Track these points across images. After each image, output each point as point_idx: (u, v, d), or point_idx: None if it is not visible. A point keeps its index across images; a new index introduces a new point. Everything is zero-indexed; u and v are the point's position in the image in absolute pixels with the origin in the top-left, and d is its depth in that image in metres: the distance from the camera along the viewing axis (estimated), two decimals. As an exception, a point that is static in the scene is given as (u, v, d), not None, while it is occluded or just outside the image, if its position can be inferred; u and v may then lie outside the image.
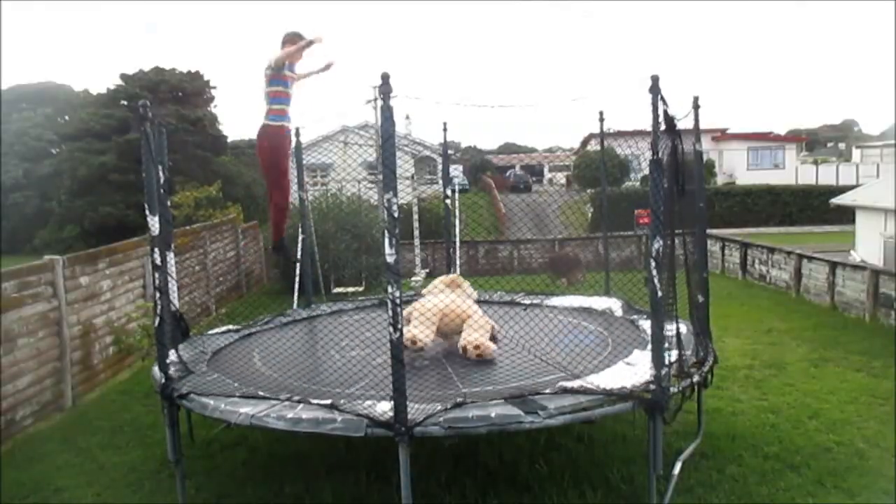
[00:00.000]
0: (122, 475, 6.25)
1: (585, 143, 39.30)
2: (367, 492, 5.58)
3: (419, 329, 6.01)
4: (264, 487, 5.78)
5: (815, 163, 42.15)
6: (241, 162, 36.75)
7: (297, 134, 8.62)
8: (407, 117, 40.20)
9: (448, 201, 9.35)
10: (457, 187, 12.82)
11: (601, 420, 5.55)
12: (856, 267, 12.43)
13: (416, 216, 16.46)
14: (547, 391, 4.66)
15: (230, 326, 7.58)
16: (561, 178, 44.43)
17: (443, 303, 6.21)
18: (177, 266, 6.87)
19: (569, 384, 4.76)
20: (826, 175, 35.27)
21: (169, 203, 6.12)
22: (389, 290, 4.30)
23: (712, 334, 6.37)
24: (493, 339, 6.25)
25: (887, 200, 14.84)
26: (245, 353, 6.49)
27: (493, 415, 4.40)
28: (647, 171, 4.83)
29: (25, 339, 7.69)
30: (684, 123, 5.61)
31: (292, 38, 6.23)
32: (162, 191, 5.42)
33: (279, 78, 6.22)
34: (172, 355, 5.56)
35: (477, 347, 5.91)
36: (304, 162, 8.68)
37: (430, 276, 16.75)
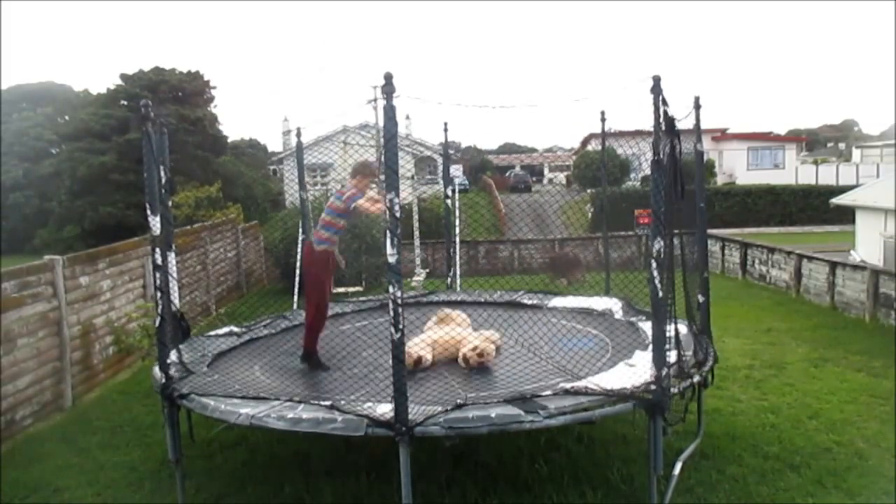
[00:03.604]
0: (122, 475, 6.24)
1: (585, 143, 39.35)
2: (367, 492, 5.58)
3: (419, 348, 6.00)
4: (264, 487, 5.78)
5: (815, 163, 42.19)
6: (241, 162, 36.79)
7: (298, 134, 8.64)
8: (407, 117, 40.18)
9: (448, 201, 9.35)
10: (457, 187, 12.81)
11: (601, 420, 5.55)
12: (856, 267, 12.43)
13: (416, 216, 16.46)
14: (547, 392, 4.66)
15: (233, 328, 7.55)
16: (561, 177, 44.48)
17: (435, 334, 6.21)
18: (177, 266, 6.86)
19: (569, 385, 4.77)
20: (826, 175, 35.27)
21: (169, 203, 6.11)
22: (391, 289, 4.30)
23: (712, 334, 6.37)
24: (497, 349, 6.21)
25: (887, 200, 14.84)
26: (246, 362, 6.37)
27: (493, 415, 4.40)
28: (647, 171, 4.83)
29: (25, 339, 7.68)
30: (685, 123, 5.61)
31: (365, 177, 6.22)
32: (163, 191, 5.42)
33: (345, 213, 6.20)
34: (173, 355, 5.55)
35: (475, 349, 5.88)
36: (304, 162, 8.68)
37: (430, 276, 16.78)
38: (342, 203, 6.16)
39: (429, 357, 5.99)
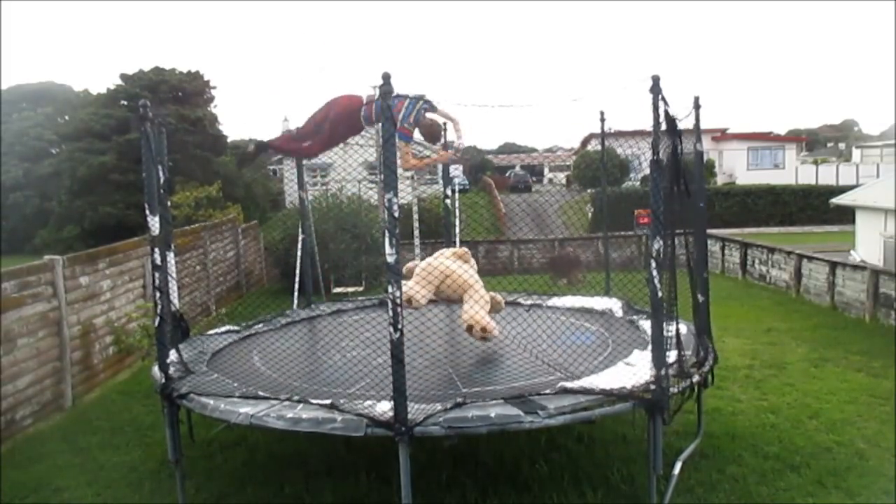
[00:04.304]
0: (122, 475, 6.25)
1: (585, 143, 39.34)
2: (367, 492, 5.58)
3: (417, 288, 6.03)
4: (264, 487, 5.78)
5: (815, 163, 42.17)
6: (241, 162, 36.68)
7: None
8: (407, 117, 39.98)
9: (448, 201, 9.34)
10: (457, 187, 12.81)
11: (601, 420, 5.55)
12: (856, 267, 12.42)
13: (416, 216, 16.44)
14: (547, 391, 4.66)
15: (231, 326, 7.57)
16: (561, 177, 44.48)
17: (448, 268, 6.21)
18: (177, 266, 6.86)
19: (569, 384, 4.77)
20: (826, 175, 35.26)
21: (168, 203, 6.10)
22: (390, 289, 4.30)
23: (712, 334, 6.37)
24: (496, 309, 6.34)
25: (887, 200, 14.84)
26: (245, 354, 6.48)
27: (492, 415, 4.40)
28: (647, 171, 4.83)
29: (25, 339, 7.68)
30: (685, 123, 5.61)
31: (432, 128, 5.81)
32: (162, 191, 5.42)
33: (406, 133, 5.68)
34: (172, 355, 5.55)
35: (483, 330, 5.95)
36: (304, 162, 8.67)
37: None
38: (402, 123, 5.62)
39: (422, 299, 6.05)
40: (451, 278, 6.20)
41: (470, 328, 5.97)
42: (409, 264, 6.74)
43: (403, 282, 5.74)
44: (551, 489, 5.46)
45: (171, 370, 5.35)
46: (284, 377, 5.57)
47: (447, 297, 6.38)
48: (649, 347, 4.92)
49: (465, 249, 6.86)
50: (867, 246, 15.71)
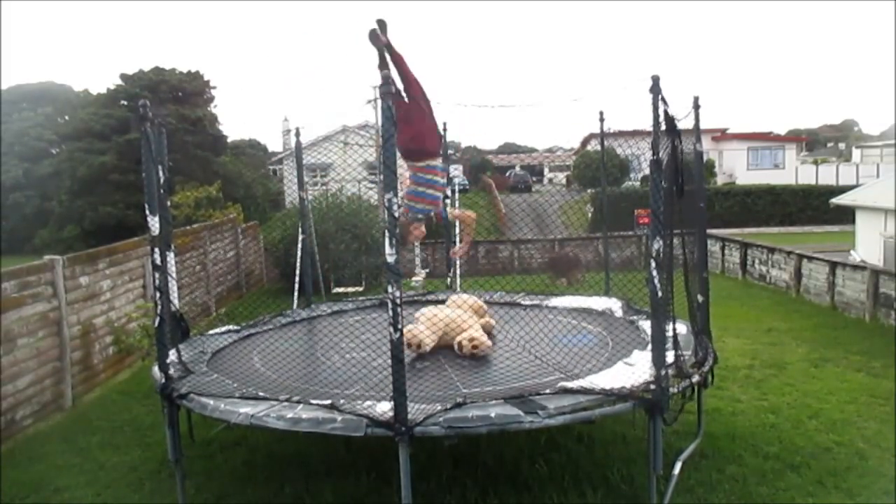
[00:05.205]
0: (122, 475, 6.25)
1: (585, 143, 39.33)
2: (367, 492, 5.58)
3: (425, 334, 5.98)
4: (264, 487, 5.78)
5: (815, 163, 42.16)
6: (241, 162, 36.78)
7: (297, 134, 8.63)
8: (407, 117, 39.90)
9: (448, 201, 9.34)
10: (457, 187, 12.80)
11: (601, 420, 5.55)
12: (856, 267, 12.43)
13: (416, 216, 16.46)
14: (547, 391, 4.66)
15: (231, 326, 7.57)
16: (561, 178, 44.47)
17: (464, 329, 6.09)
18: (177, 266, 6.86)
19: (569, 384, 4.76)
20: (826, 175, 35.27)
21: (169, 203, 6.10)
22: (389, 290, 4.30)
23: (712, 334, 6.37)
24: (489, 336, 6.25)
25: (887, 200, 14.85)
26: (245, 354, 6.48)
27: (493, 415, 4.40)
28: (647, 171, 4.83)
29: (25, 339, 7.69)
30: (684, 123, 5.61)
31: (408, 232, 6.03)
32: (162, 191, 5.42)
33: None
34: (172, 355, 5.55)
35: (472, 340, 5.89)
36: (304, 162, 8.68)
37: (430, 276, 16.77)
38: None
39: (429, 344, 5.98)
40: (454, 332, 6.09)
41: (459, 345, 5.92)
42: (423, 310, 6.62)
43: (410, 326, 5.74)
44: (551, 489, 5.46)
45: (171, 370, 5.35)
46: (284, 377, 5.57)
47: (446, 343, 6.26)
48: (649, 347, 4.92)
49: (483, 305, 6.80)
50: (867, 246, 15.72)
